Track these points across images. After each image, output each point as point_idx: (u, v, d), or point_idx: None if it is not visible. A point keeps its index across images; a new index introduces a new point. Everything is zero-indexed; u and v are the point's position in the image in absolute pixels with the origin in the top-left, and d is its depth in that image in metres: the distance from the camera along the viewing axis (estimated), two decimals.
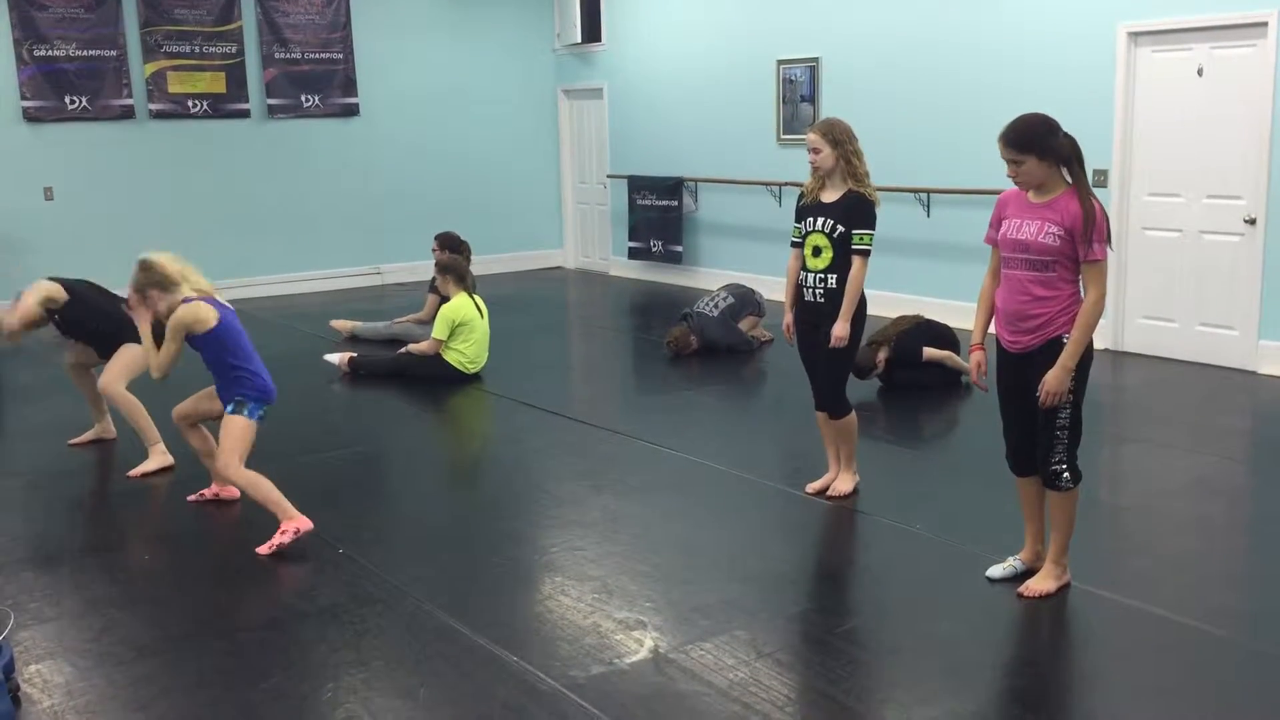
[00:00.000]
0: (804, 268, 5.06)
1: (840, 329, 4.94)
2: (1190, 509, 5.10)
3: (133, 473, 5.83)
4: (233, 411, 4.93)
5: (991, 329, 4.23)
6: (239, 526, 5.17)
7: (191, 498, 5.44)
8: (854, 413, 5.21)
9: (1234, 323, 7.53)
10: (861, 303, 5.01)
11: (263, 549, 4.76)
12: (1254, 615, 4.06)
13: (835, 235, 4.92)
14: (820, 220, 4.97)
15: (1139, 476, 5.71)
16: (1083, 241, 3.88)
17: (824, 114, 9.61)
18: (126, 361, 5.92)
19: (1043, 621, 4.07)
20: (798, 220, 5.10)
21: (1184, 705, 3.47)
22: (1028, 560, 4.30)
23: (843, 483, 5.25)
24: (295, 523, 4.80)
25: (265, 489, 4.83)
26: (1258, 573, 4.51)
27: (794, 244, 5.12)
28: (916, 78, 9.19)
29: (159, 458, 5.92)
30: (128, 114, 10.96)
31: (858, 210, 4.91)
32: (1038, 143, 3.90)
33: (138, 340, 5.37)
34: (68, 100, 10.64)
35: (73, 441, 6.40)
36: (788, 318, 5.21)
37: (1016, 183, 4.02)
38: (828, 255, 4.96)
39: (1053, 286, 3.96)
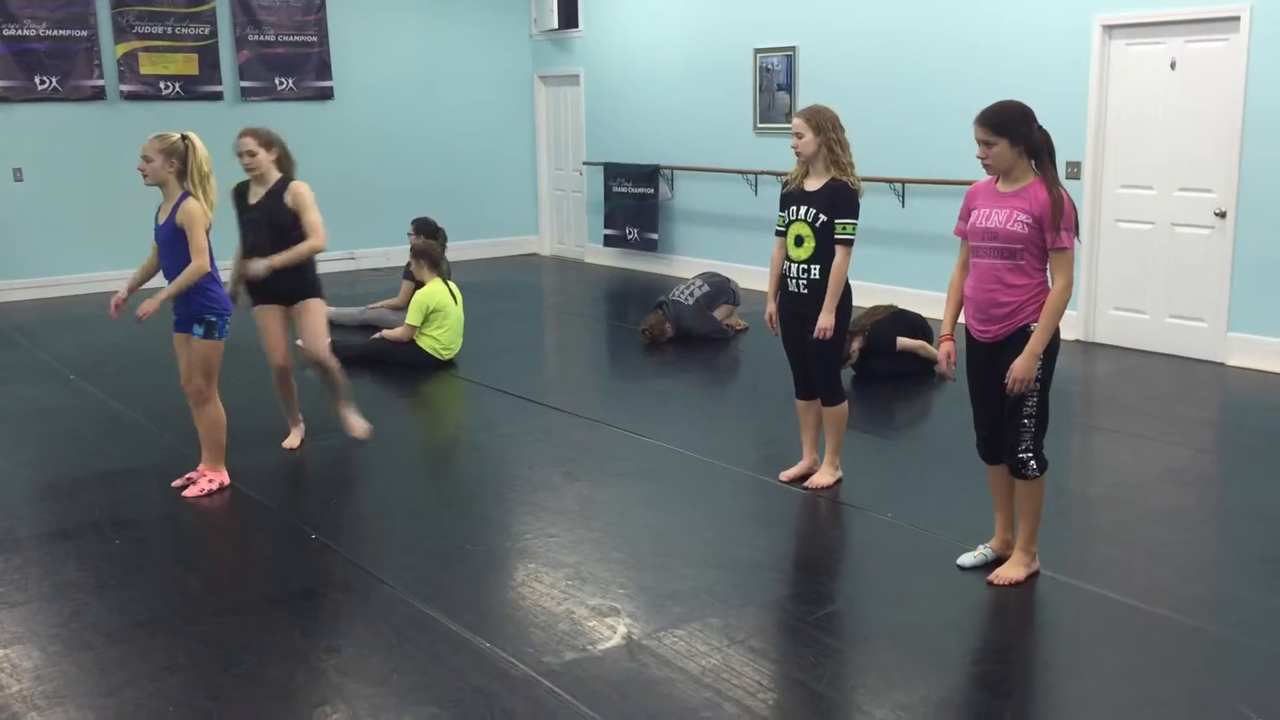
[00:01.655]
0: (787, 258, 5.06)
1: (825, 320, 4.94)
2: (1159, 499, 5.15)
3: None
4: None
5: (961, 319, 4.26)
6: (210, 512, 5.14)
7: (177, 483, 5.38)
8: (846, 402, 5.23)
9: (1204, 315, 7.60)
10: (846, 291, 5.01)
11: (182, 483, 5.23)
12: (1220, 603, 4.11)
13: (818, 224, 4.92)
14: (803, 209, 4.97)
15: (1108, 466, 5.77)
16: (1050, 230, 3.93)
17: (801, 103, 9.62)
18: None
19: (1012, 609, 4.11)
20: (781, 209, 5.10)
21: (1150, 691, 3.51)
22: (998, 548, 4.34)
23: (823, 476, 5.25)
24: (221, 475, 5.24)
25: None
26: (1224, 562, 4.57)
27: (778, 233, 5.12)
28: (893, 68, 9.22)
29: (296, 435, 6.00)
30: (99, 95, 10.84)
31: (840, 199, 4.91)
32: (1012, 128, 3.94)
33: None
34: (38, 80, 10.52)
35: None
36: (770, 307, 5.22)
37: (985, 165, 4.06)
38: (810, 245, 4.96)
39: (1021, 275, 4.00)
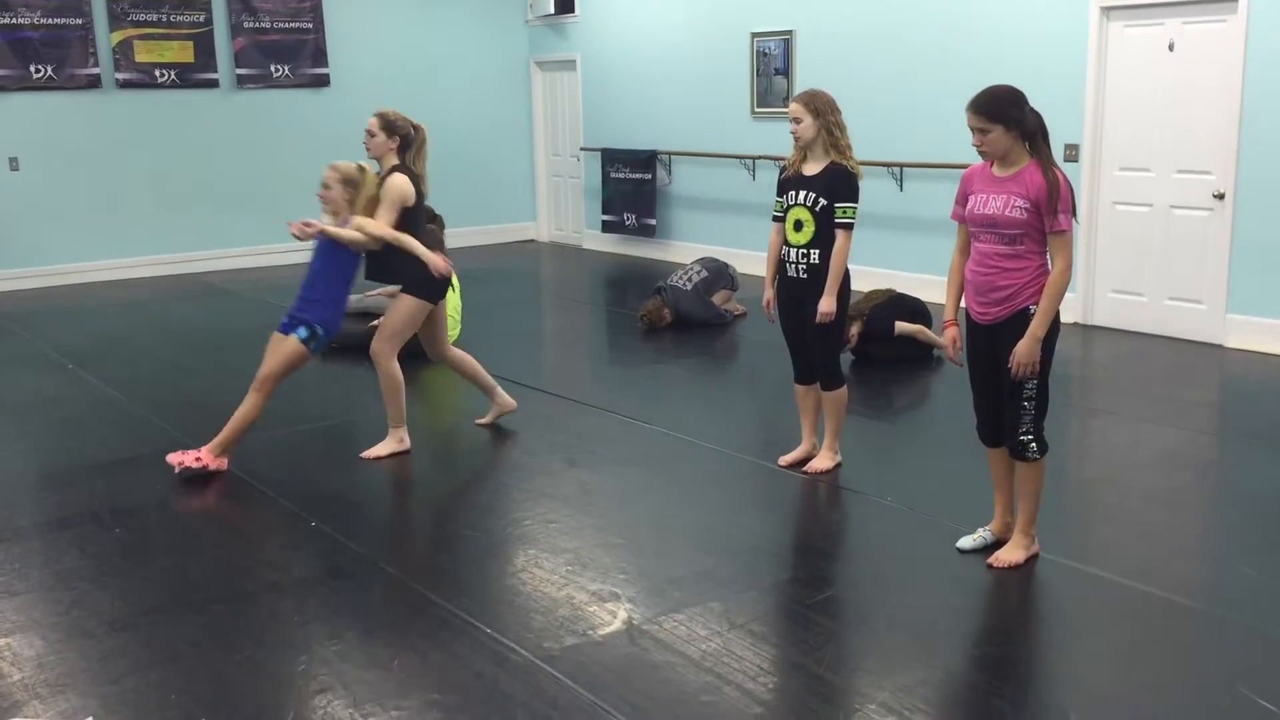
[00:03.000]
0: (786, 243, 5.05)
1: (826, 304, 4.93)
2: (1158, 481, 5.16)
3: (367, 454, 5.59)
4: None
5: (962, 302, 4.26)
6: (211, 499, 5.15)
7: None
8: (846, 386, 5.23)
9: (1202, 297, 7.60)
10: (846, 276, 5.00)
11: (174, 457, 5.27)
12: (1219, 584, 4.12)
13: (817, 208, 4.91)
14: (802, 193, 4.96)
15: (1107, 449, 5.77)
16: (1048, 213, 3.92)
17: (798, 87, 9.59)
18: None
19: (1011, 591, 4.11)
20: (779, 194, 5.09)
21: (1148, 671, 3.53)
22: (997, 531, 4.35)
23: (822, 460, 5.24)
24: (218, 462, 5.26)
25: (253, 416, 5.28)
26: (1223, 543, 4.58)
27: (775, 218, 5.11)
28: (891, 51, 9.19)
29: (396, 442, 5.67)
30: (94, 83, 10.80)
31: (840, 182, 4.89)
32: (1005, 113, 3.93)
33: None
34: (33, 69, 10.48)
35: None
36: (768, 293, 5.21)
37: (980, 152, 4.05)
38: (809, 229, 4.95)
39: (1021, 259, 3.99)
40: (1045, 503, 4.24)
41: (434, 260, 5.33)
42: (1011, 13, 8.35)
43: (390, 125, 5.53)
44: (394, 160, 5.50)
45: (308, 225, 5.12)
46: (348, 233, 5.16)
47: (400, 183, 5.37)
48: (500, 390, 6.03)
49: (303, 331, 5.21)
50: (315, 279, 5.27)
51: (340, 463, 5.64)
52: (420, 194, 5.52)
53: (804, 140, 4.93)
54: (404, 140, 5.54)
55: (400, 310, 5.56)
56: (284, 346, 5.24)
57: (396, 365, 5.61)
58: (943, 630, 3.80)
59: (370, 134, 5.52)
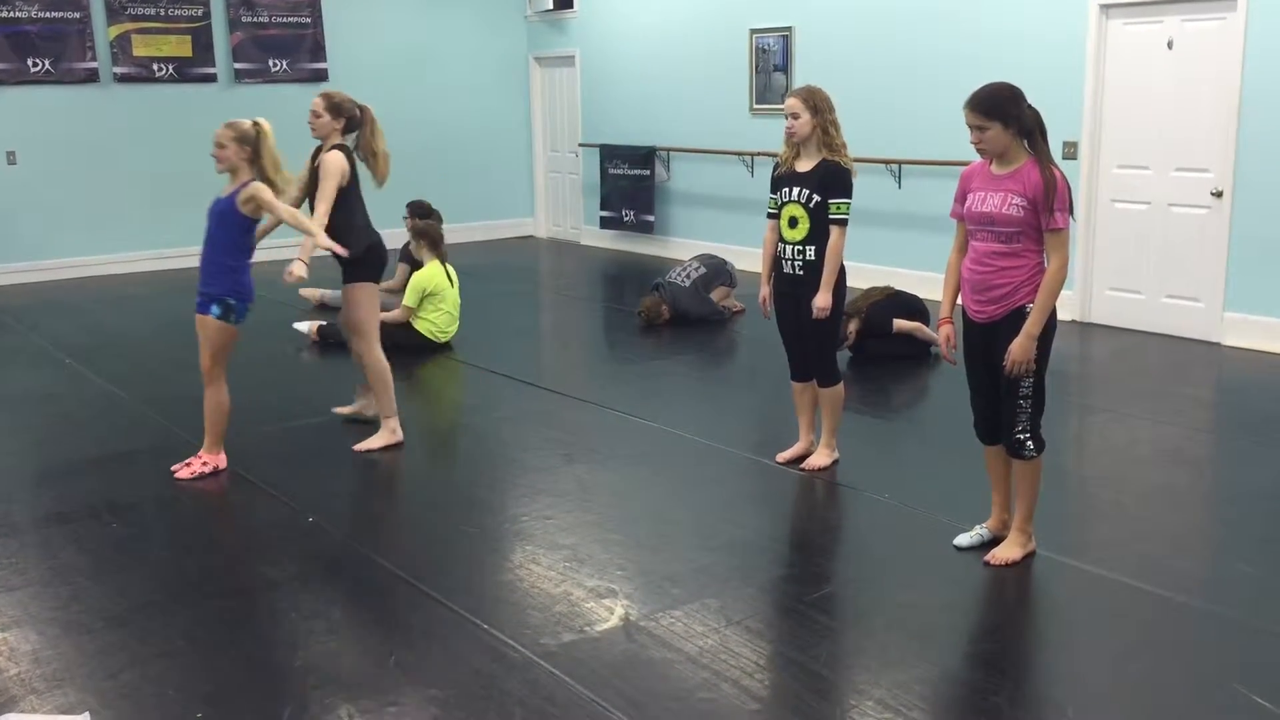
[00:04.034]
0: (782, 240, 5.04)
1: (822, 300, 4.93)
2: (1155, 479, 5.16)
3: (360, 446, 5.63)
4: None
5: (959, 300, 4.26)
6: (207, 495, 5.15)
7: (176, 466, 5.37)
8: (842, 383, 5.23)
9: (1200, 295, 7.60)
10: (841, 272, 5.00)
11: (181, 472, 5.22)
12: (1216, 582, 4.13)
13: (811, 205, 4.91)
14: (796, 190, 4.95)
15: (1104, 446, 5.78)
16: (1045, 211, 3.92)
17: (797, 84, 9.58)
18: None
19: (1008, 588, 4.12)
20: (773, 190, 5.08)
21: (1143, 668, 3.53)
22: (994, 529, 4.35)
23: (820, 458, 5.24)
24: (217, 459, 5.24)
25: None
26: (1220, 541, 4.58)
27: (770, 215, 5.10)
28: (889, 48, 9.19)
29: (389, 434, 5.68)
30: (92, 77, 10.79)
31: (833, 179, 4.89)
32: (1003, 110, 3.93)
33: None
34: (30, 63, 10.46)
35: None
36: (764, 290, 5.21)
37: (978, 150, 4.05)
38: (804, 226, 4.94)
39: (1017, 257, 3.99)
40: (1042, 500, 4.24)
41: (330, 244, 5.22)
42: (1011, 10, 8.35)
43: (336, 107, 5.54)
44: (337, 140, 5.52)
45: (290, 274, 5.11)
46: (298, 219, 5.13)
47: (335, 158, 5.40)
48: (385, 403, 5.77)
49: (215, 309, 5.11)
50: (209, 250, 5.16)
51: (337, 458, 5.64)
52: (378, 175, 5.59)
53: (799, 137, 4.92)
54: (349, 122, 5.56)
55: (354, 303, 5.61)
56: (206, 331, 5.16)
57: (381, 356, 5.64)
58: (940, 627, 3.80)
59: (315, 115, 5.54)
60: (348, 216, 5.44)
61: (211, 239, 5.15)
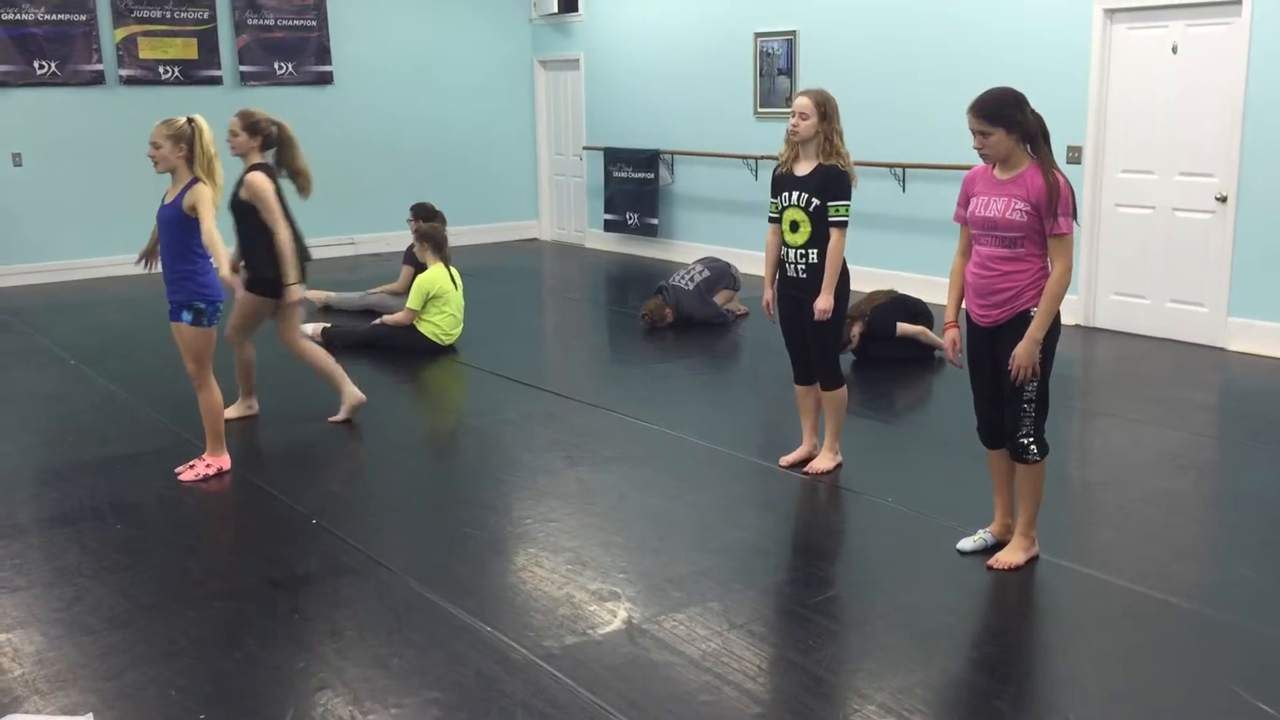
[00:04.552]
0: (784, 243, 5.04)
1: (824, 302, 4.93)
2: (1158, 483, 5.16)
3: (333, 419, 6.03)
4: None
5: (963, 304, 4.26)
6: (210, 496, 5.15)
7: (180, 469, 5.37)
8: (846, 386, 5.23)
9: (1204, 299, 7.59)
10: (844, 274, 5.00)
11: (185, 474, 5.23)
12: (1218, 587, 4.12)
13: (811, 209, 4.91)
14: (795, 194, 4.95)
15: (1108, 451, 5.77)
16: (1048, 215, 3.92)
17: (801, 87, 9.58)
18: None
19: (1011, 593, 4.12)
20: (773, 194, 5.08)
21: (1146, 673, 3.53)
22: (997, 533, 4.35)
23: (823, 461, 5.24)
24: (221, 460, 5.28)
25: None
26: (1223, 546, 4.58)
27: (771, 219, 5.10)
28: (894, 52, 9.19)
29: (351, 401, 6.04)
30: (98, 79, 10.81)
31: (832, 181, 4.89)
32: (1006, 115, 3.93)
33: None
34: (36, 65, 10.49)
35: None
36: (768, 294, 5.21)
37: (982, 155, 4.05)
38: (806, 230, 4.95)
39: (1021, 261, 4.00)
40: (1045, 505, 4.24)
41: (225, 271, 5.06)
42: (1015, 14, 8.35)
43: (253, 125, 5.63)
44: (257, 159, 5.63)
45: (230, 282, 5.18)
46: (213, 240, 5.00)
47: (262, 182, 5.53)
48: (350, 384, 6.06)
49: (187, 316, 5.10)
50: (166, 258, 5.13)
51: (341, 461, 5.65)
52: (303, 191, 5.74)
53: (800, 137, 4.91)
54: (266, 139, 5.65)
55: (243, 307, 5.83)
56: (184, 338, 5.15)
57: (248, 350, 6.00)
58: (942, 631, 3.80)
59: (233, 134, 5.63)
60: (268, 240, 5.57)
61: (167, 247, 5.10)
